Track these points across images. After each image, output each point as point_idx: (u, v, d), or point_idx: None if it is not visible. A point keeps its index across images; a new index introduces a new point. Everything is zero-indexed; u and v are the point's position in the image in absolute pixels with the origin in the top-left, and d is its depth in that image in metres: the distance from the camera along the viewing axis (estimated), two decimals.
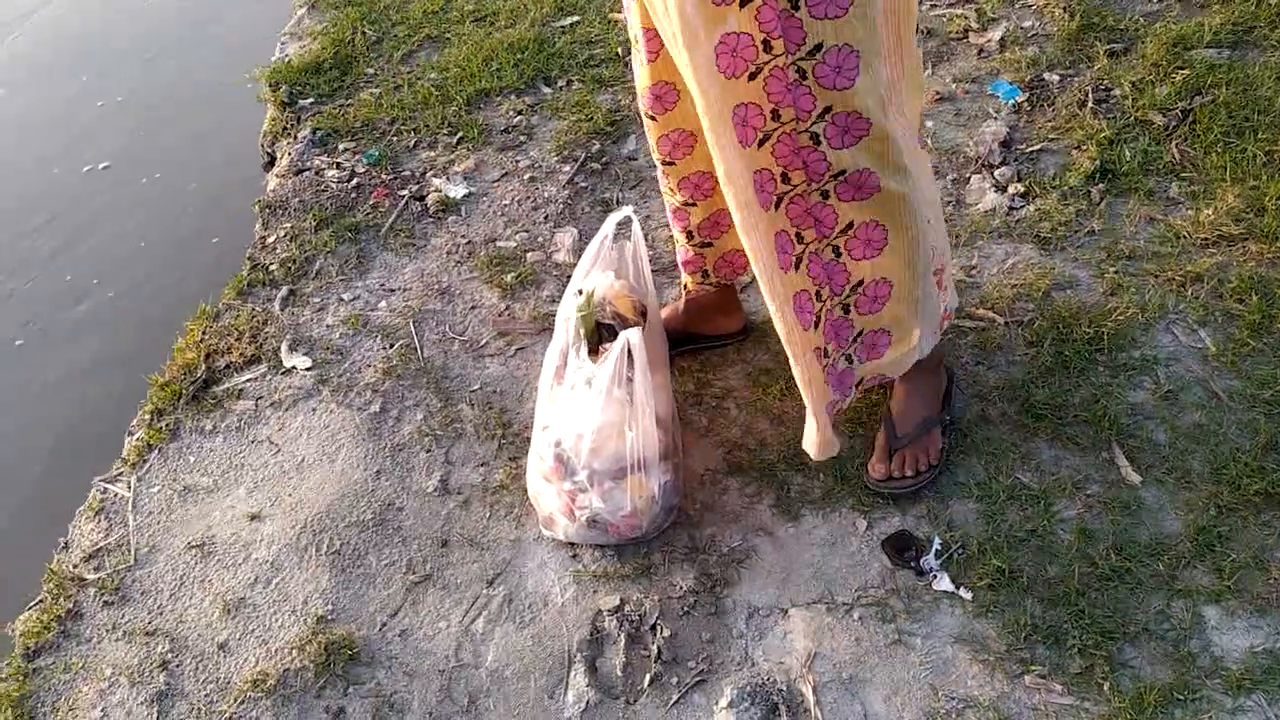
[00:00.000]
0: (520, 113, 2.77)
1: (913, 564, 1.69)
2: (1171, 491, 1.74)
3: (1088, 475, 1.78)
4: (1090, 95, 2.49)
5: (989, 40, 2.75)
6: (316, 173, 2.67)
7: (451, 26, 3.13)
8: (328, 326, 2.27)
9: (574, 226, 2.42)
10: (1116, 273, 2.09)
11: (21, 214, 3.03)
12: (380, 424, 2.04)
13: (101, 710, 1.68)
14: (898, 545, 1.72)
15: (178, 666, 1.71)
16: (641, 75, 1.64)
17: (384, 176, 2.63)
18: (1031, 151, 2.41)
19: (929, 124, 2.51)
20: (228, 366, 2.20)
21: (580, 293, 1.72)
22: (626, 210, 1.78)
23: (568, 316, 1.72)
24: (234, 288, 2.38)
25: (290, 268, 2.41)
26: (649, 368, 1.64)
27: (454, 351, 2.18)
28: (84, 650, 1.76)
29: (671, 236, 2.03)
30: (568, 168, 2.58)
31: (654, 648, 1.64)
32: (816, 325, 1.60)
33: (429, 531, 1.85)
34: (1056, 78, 2.59)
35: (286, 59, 3.12)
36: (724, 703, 1.56)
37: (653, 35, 1.56)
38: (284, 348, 2.22)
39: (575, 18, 3.08)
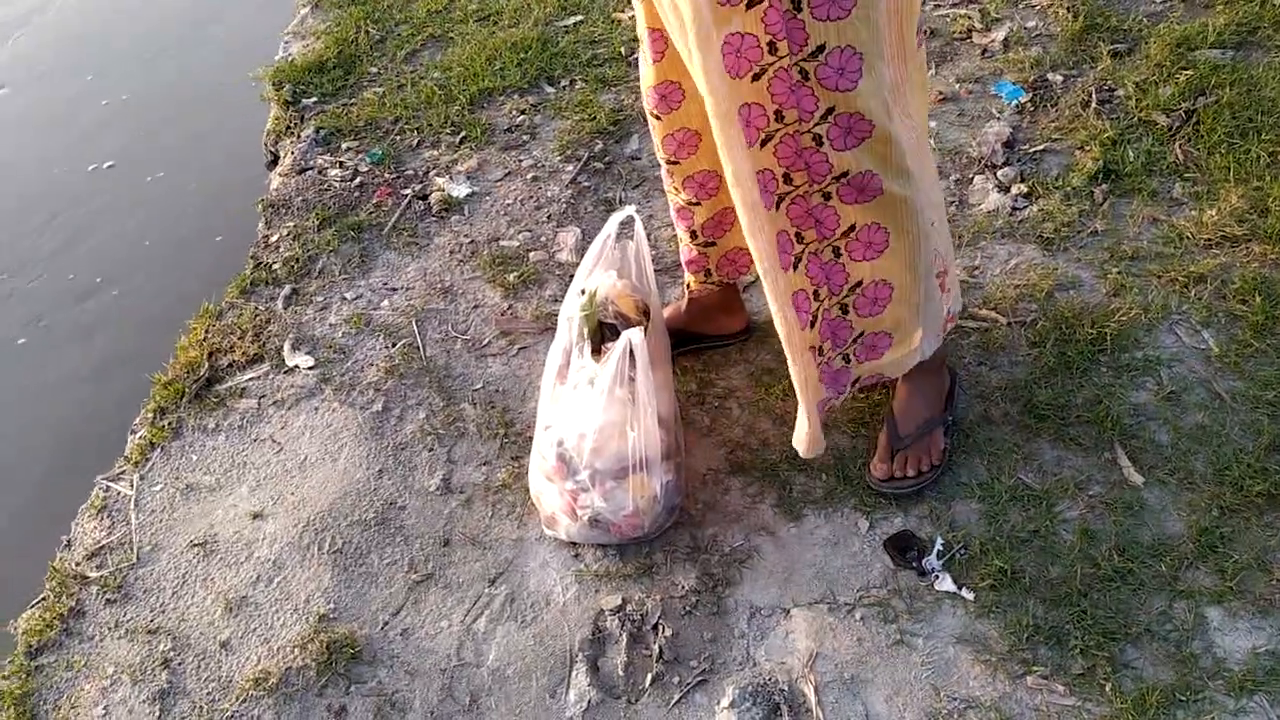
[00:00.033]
0: (523, 112, 2.77)
1: (915, 564, 1.69)
2: (1174, 492, 1.74)
3: (1090, 476, 1.78)
4: (1094, 95, 2.49)
5: (992, 40, 2.75)
6: (319, 172, 2.67)
7: (455, 26, 3.13)
8: (330, 325, 2.27)
9: (577, 226, 2.42)
10: (1119, 273, 2.09)
11: (25, 212, 3.03)
12: (382, 423, 2.04)
13: (103, 708, 1.68)
14: (900, 545, 1.72)
15: (180, 665, 1.71)
16: (647, 74, 1.64)
17: (387, 175, 2.63)
18: (1035, 152, 2.41)
19: (932, 124, 2.51)
20: (230, 365, 2.20)
21: (583, 292, 1.73)
22: (629, 210, 1.78)
23: (570, 316, 1.72)
24: (237, 286, 2.39)
25: (293, 267, 2.41)
26: (651, 367, 1.64)
27: (456, 351, 2.18)
28: (86, 648, 1.76)
29: (674, 236, 2.03)
30: (571, 167, 2.58)
31: (656, 647, 1.64)
32: (813, 324, 1.61)
33: (431, 530, 1.85)
34: (1060, 78, 2.58)
35: (290, 58, 3.12)
36: (725, 702, 1.56)
37: (658, 36, 1.57)
38: (287, 346, 2.22)
39: (578, 17, 3.08)
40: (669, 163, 1.75)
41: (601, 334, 1.73)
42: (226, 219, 2.84)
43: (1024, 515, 1.73)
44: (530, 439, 1.86)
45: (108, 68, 3.63)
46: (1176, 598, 1.61)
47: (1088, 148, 2.36)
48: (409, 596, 1.76)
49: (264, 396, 2.13)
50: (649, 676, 1.62)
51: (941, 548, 1.70)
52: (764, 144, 1.44)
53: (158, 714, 1.66)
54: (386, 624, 1.73)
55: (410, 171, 2.64)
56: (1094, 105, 2.47)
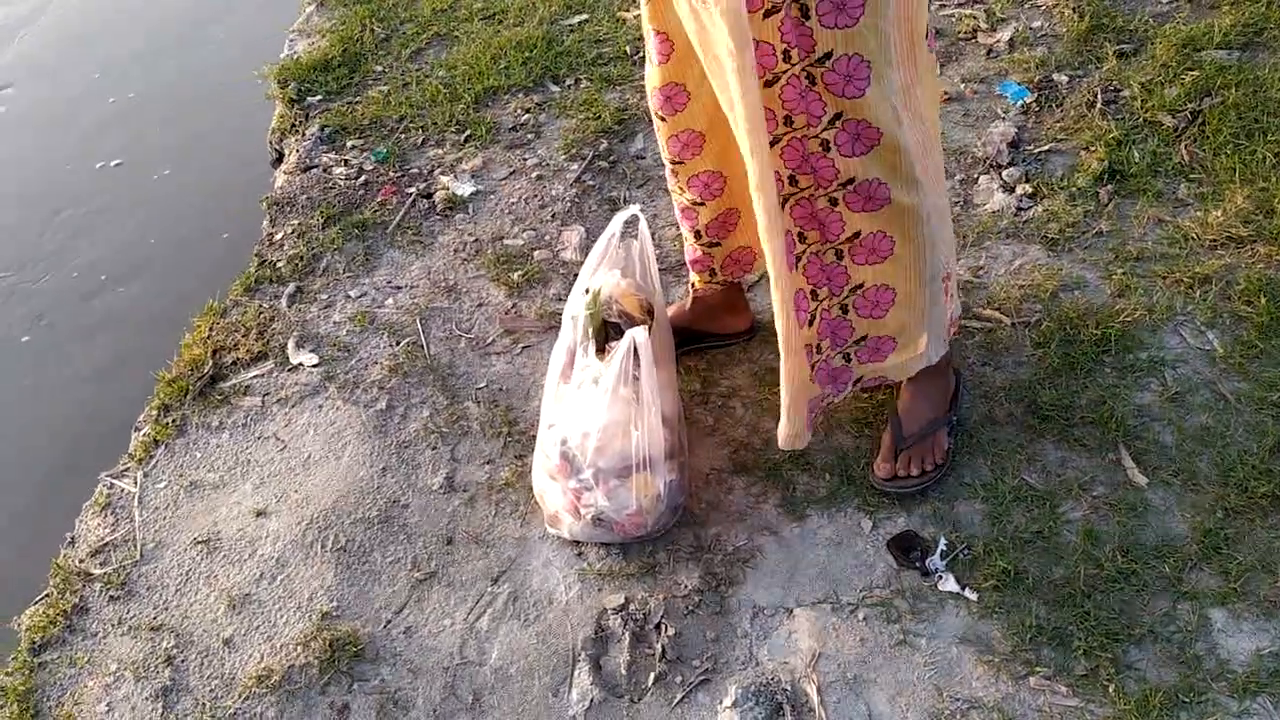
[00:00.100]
0: (528, 111, 2.77)
1: (918, 564, 1.69)
2: (1178, 493, 1.74)
3: (1094, 476, 1.77)
4: (1099, 96, 2.49)
5: (998, 41, 2.75)
6: (324, 170, 2.67)
7: (460, 24, 3.13)
8: (335, 323, 2.27)
9: (581, 225, 2.42)
10: (1124, 274, 2.09)
11: (30, 210, 3.04)
12: (386, 421, 2.04)
13: (106, 705, 1.68)
14: (903, 545, 1.71)
15: (183, 662, 1.72)
16: (652, 76, 1.64)
17: (392, 174, 2.63)
18: (1040, 152, 2.41)
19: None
20: (235, 363, 2.21)
21: (587, 291, 1.73)
22: (634, 209, 1.78)
23: (574, 315, 1.72)
24: (241, 284, 2.39)
25: (298, 265, 2.41)
26: (655, 366, 1.64)
27: (460, 349, 2.18)
28: (89, 645, 1.77)
29: (678, 235, 2.03)
30: (575, 166, 2.58)
31: (658, 646, 1.64)
32: (811, 323, 1.61)
33: (434, 529, 1.85)
34: (1065, 78, 2.58)
35: (295, 56, 3.12)
36: (728, 702, 1.56)
37: (664, 38, 1.57)
38: (291, 344, 2.22)
39: (584, 16, 3.08)
40: (674, 163, 1.75)
41: (606, 333, 1.73)
42: (231, 217, 2.84)
43: (1027, 516, 1.73)
44: (534, 437, 1.86)
45: (113, 66, 3.63)
46: (1180, 599, 1.60)
47: (1093, 148, 2.36)
48: (412, 595, 1.76)
49: (268, 394, 2.13)
50: (652, 676, 1.62)
51: (945, 548, 1.70)
52: (771, 146, 1.45)
53: (160, 711, 1.66)
54: (389, 622, 1.73)
55: (415, 170, 2.64)
56: (1099, 106, 2.46)
